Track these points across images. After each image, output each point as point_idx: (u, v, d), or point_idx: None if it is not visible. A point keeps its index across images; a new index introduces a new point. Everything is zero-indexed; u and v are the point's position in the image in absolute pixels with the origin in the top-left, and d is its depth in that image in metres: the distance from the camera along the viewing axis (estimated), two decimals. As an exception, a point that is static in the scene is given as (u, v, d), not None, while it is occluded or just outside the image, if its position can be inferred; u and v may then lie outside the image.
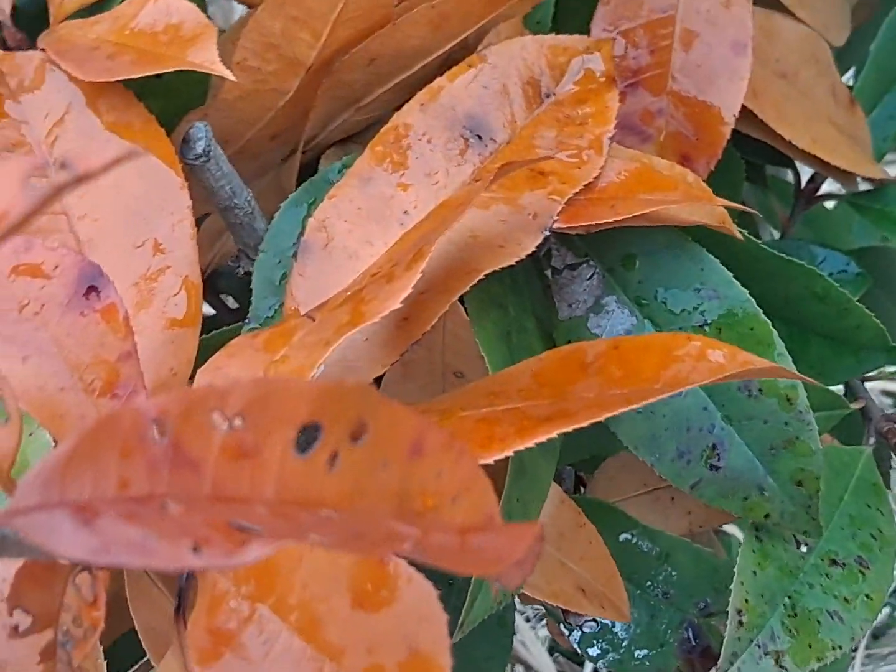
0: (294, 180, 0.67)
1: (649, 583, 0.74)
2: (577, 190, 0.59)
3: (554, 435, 0.48)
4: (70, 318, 0.46)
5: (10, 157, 0.59)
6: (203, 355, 0.65)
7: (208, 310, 0.79)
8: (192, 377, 0.54)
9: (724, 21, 0.68)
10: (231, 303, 0.82)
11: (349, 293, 0.53)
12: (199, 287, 0.56)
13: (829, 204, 0.99)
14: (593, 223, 0.58)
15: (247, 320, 0.62)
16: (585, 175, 0.60)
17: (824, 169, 0.77)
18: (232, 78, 0.55)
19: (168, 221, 0.56)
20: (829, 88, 0.79)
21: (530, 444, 0.48)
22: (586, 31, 0.70)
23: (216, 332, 0.68)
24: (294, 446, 0.34)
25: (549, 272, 0.66)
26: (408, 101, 0.63)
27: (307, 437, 0.35)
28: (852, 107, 0.81)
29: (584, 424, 0.49)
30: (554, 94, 0.63)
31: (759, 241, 0.68)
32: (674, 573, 0.74)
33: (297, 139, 0.66)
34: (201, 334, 0.61)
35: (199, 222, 0.71)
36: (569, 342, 0.65)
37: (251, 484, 0.33)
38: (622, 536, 0.75)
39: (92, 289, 0.47)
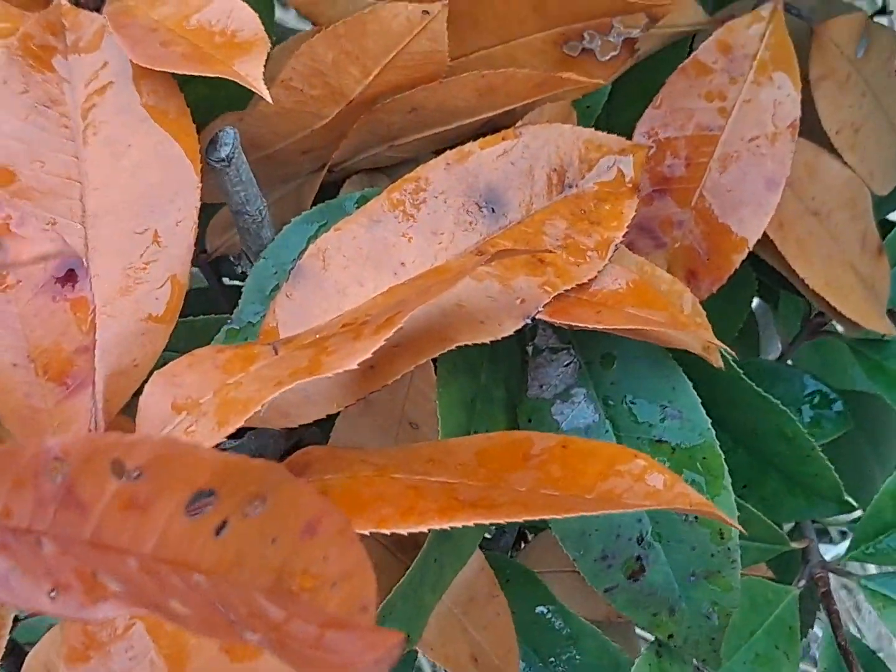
0: (312, 197, 0.69)
1: (553, 659, 0.76)
2: (570, 287, 0.61)
3: (470, 524, 0.50)
4: (41, 301, 0.48)
5: (45, 113, 0.60)
6: (184, 336, 0.67)
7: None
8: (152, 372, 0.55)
9: (765, 154, 0.69)
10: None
11: (316, 337, 0.54)
12: (183, 287, 0.57)
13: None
14: (575, 324, 0.60)
15: (230, 320, 0.64)
16: (582, 274, 0.61)
17: (831, 312, 0.78)
18: (269, 100, 0.56)
19: (173, 217, 0.58)
20: (860, 234, 0.80)
21: (446, 526, 0.50)
22: (633, 125, 0.71)
23: (202, 318, 0.70)
24: (185, 508, 0.36)
25: (530, 348, 0.67)
26: (442, 150, 0.65)
27: (202, 502, 0.36)
28: (879, 256, 0.81)
29: (503, 521, 0.50)
30: (576, 187, 0.64)
31: (742, 372, 0.69)
32: (578, 657, 0.76)
33: (327, 159, 0.67)
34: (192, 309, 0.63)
35: (217, 208, 0.73)
36: (530, 421, 0.67)
37: (133, 536, 0.35)
38: (538, 609, 0.76)
39: (69, 278, 0.48)
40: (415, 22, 0.60)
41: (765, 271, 0.80)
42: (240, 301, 0.64)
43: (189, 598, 0.34)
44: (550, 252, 0.60)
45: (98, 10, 0.66)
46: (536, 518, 0.51)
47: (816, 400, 0.86)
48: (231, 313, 0.65)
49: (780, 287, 0.84)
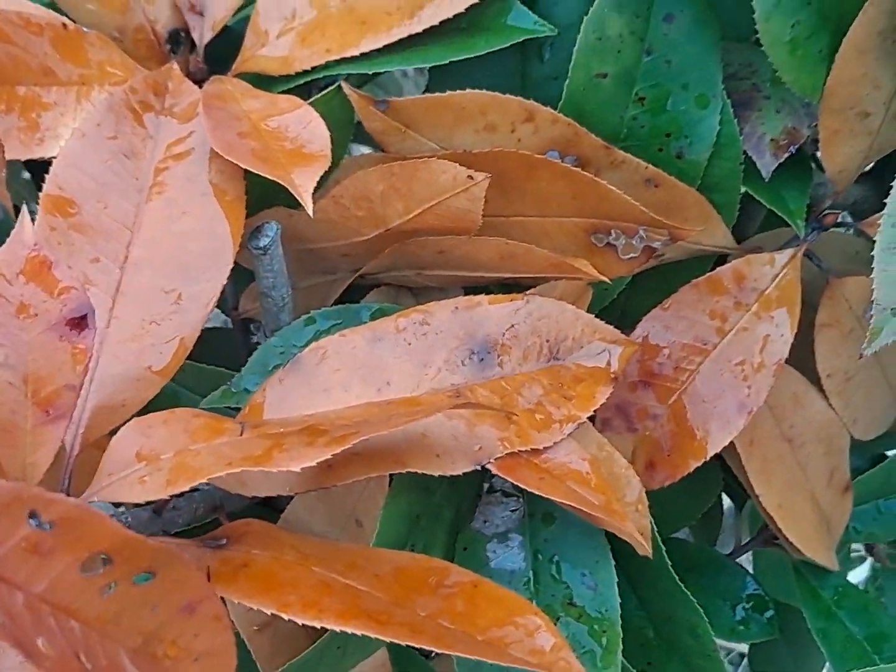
0: (338, 294, 0.76)
1: None
2: (526, 448, 0.67)
3: (358, 634, 0.56)
4: (49, 336, 0.56)
5: (124, 162, 0.68)
6: (195, 376, 0.74)
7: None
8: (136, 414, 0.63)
9: (746, 381, 0.75)
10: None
11: (279, 430, 0.61)
12: (187, 350, 0.64)
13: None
14: (518, 484, 0.66)
15: (229, 382, 0.71)
16: (540, 441, 0.67)
17: (778, 532, 0.84)
18: (311, 213, 0.63)
19: (201, 287, 0.65)
20: (829, 469, 0.85)
21: (338, 629, 0.56)
22: (645, 312, 0.77)
23: (212, 368, 0.77)
24: (81, 564, 0.43)
25: (486, 485, 0.74)
26: (468, 287, 0.72)
27: (99, 563, 0.43)
28: (843, 494, 0.87)
29: (389, 640, 0.56)
30: (561, 361, 0.70)
31: (669, 563, 0.75)
32: None
33: (360, 266, 0.74)
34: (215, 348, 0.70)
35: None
36: (465, 550, 0.73)
37: (28, 576, 0.42)
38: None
39: (79, 325, 0.56)
40: (459, 182, 0.67)
41: (729, 472, 0.85)
42: (243, 368, 0.71)
43: (56, 641, 0.41)
44: (516, 415, 0.67)
45: (203, 83, 0.74)
46: (423, 646, 0.56)
47: (752, 603, 0.92)
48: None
49: (745, 493, 0.89)
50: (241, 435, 0.61)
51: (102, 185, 0.67)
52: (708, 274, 0.75)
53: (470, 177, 0.67)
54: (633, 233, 0.72)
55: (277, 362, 0.71)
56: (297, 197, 0.64)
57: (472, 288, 0.78)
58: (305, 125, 0.68)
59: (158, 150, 0.69)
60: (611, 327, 0.71)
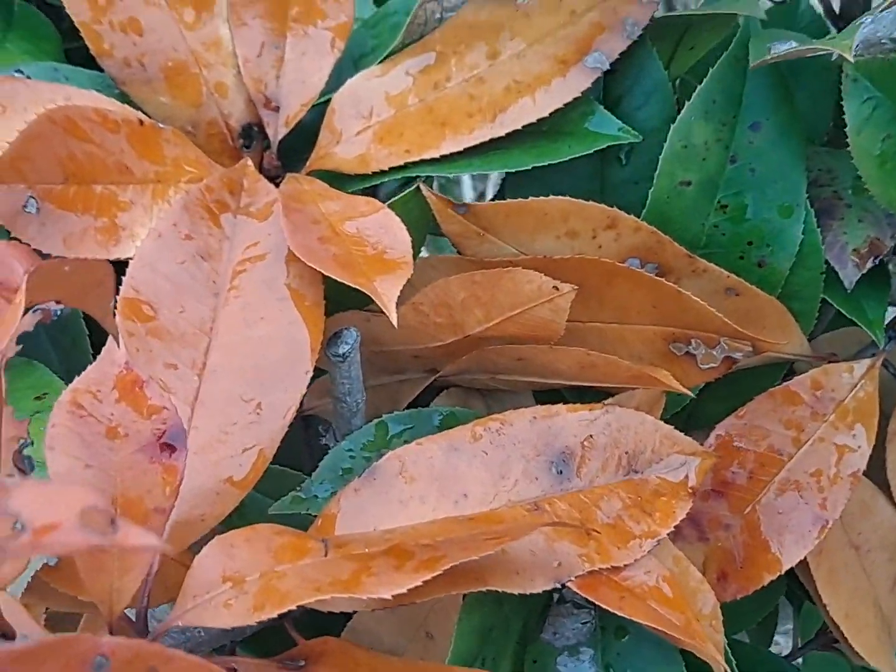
0: (410, 397, 0.74)
1: None
2: (606, 566, 0.66)
3: None
4: (139, 457, 0.54)
5: (200, 264, 0.67)
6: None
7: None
8: (214, 529, 0.61)
9: (822, 493, 0.73)
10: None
11: (365, 550, 0.59)
12: (267, 461, 0.63)
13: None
14: (599, 604, 0.65)
15: (299, 487, 0.69)
16: (621, 558, 0.66)
17: (843, 641, 0.82)
18: (395, 324, 0.62)
19: (279, 396, 0.64)
20: (892, 577, 0.84)
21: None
22: (717, 419, 0.76)
23: (277, 468, 0.76)
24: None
25: (556, 595, 0.72)
26: (541, 391, 0.70)
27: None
28: (905, 599, 0.85)
29: None
30: (641, 473, 0.69)
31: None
32: None
33: (431, 368, 0.73)
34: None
35: (322, 371, 0.79)
36: (535, 662, 0.71)
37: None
38: None
39: (170, 446, 0.54)
40: (544, 292, 0.66)
41: (795, 576, 0.84)
42: (314, 474, 0.69)
43: None
44: (598, 532, 0.65)
45: (277, 179, 0.72)
46: None
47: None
48: (307, 469, 0.70)
49: (806, 596, 0.88)
50: (325, 555, 0.59)
51: (179, 287, 0.65)
52: (785, 384, 0.74)
53: (555, 287, 0.66)
54: (713, 343, 0.71)
55: (347, 465, 0.69)
56: (379, 305, 0.63)
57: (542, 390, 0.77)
58: (386, 230, 0.67)
59: (235, 251, 0.67)
60: (689, 439, 0.70)
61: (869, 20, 0.61)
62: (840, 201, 0.73)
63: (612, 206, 0.71)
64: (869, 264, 0.72)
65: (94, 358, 0.69)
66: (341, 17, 0.74)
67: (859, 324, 0.73)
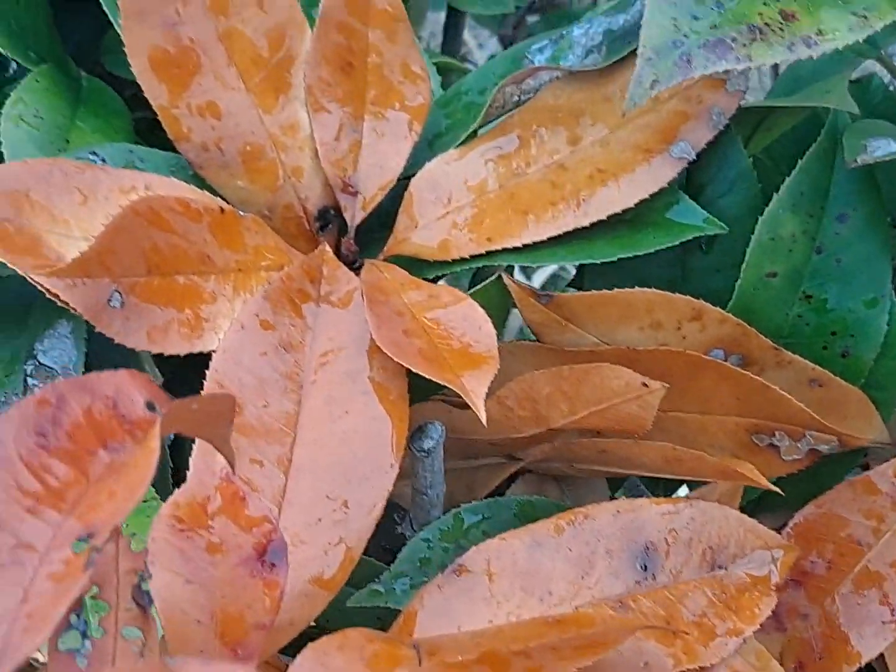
0: (486, 485, 0.73)
1: None
2: (692, 667, 0.65)
3: None
4: (240, 572, 0.53)
5: (282, 356, 0.66)
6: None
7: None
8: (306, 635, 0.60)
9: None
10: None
11: (459, 659, 0.58)
12: (354, 561, 0.62)
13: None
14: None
15: (377, 579, 0.68)
16: (707, 657, 0.65)
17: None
18: (484, 422, 0.61)
19: (365, 493, 0.63)
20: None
21: None
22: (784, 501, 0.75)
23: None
24: None
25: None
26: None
27: None
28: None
29: None
30: (725, 569, 0.68)
31: None
32: None
33: (511, 455, 0.72)
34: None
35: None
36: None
37: None
38: None
39: (270, 560, 0.53)
40: (632, 389, 0.65)
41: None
42: (392, 566, 0.68)
43: None
44: (686, 633, 0.64)
45: (354, 264, 0.71)
46: None
47: None
48: (375, 553, 0.69)
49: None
50: (419, 664, 0.58)
51: (262, 381, 0.65)
52: (865, 474, 0.73)
53: (644, 384, 0.65)
54: (799, 436, 0.70)
55: (425, 556, 0.69)
56: (467, 400, 0.62)
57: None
58: (470, 322, 0.66)
59: (318, 342, 0.66)
60: (772, 533, 0.69)
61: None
62: (926, 289, 0.72)
63: (693, 294, 0.70)
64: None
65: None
66: (419, 99, 0.73)
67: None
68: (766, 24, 0.56)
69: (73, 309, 0.62)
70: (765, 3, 0.56)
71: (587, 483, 0.77)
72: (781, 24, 0.56)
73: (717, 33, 0.56)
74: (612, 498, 0.80)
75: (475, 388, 0.62)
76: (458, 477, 0.75)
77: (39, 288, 0.61)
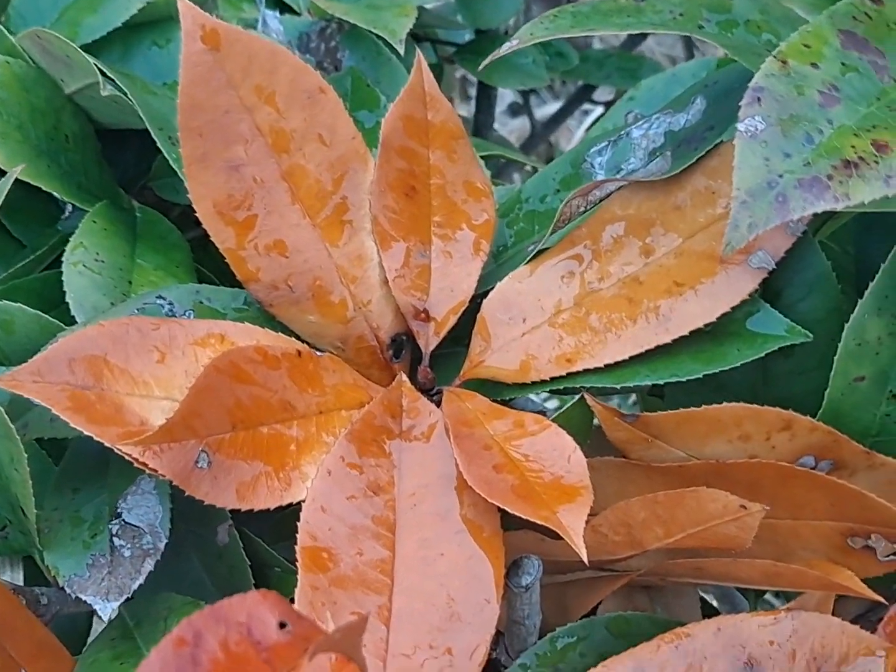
0: (583, 608, 0.72)
1: None
2: None
3: None
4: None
5: (371, 499, 0.65)
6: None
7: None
8: None
9: None
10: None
11: None
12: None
13: None
14: None
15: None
16: None
17: None
18: (585, 559, 0.60)
19: (467, 638, 0.62)
20: None
21: None
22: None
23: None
24: None
25: None
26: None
27: None
28: None
29: None
30: (830, 678, 0.67)
31: None
32: None
33: (601, 567, 0.71)
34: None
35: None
36: None
37: None
38: None
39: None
40: (729, 511, 0.64)
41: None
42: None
43: None
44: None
45: (431, 391, 0.70)
46: None
47: None
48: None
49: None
50: None
51: (354, 528, 0.64)
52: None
53: (743, 506, 0.64)
54: (895, 538, 0.69)
55: (523, 682, 0.68)
56: (564, 538, 0.61)
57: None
58: (559, 452, 0.65)
59: (405, 482, 0.66)
60: (874, 637, 0.68)
61: None
62: None
63: (776, 398, 0.69)
64: None
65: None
66: (484, 217, 0.73)
67: None
68: (861, 157, 0.55)
69: (161, 476, 0.61)
70: (855, 135, 0.55)
71: (677, 591, 0.76)
72: (876, 156, 0.55)
73: (811, 171, 0.55)
74: (702, 603, 0.79)
75: (572, 525, 0.62)
76: (547, 595, 0.73)
77: (126, 457, 0.60)
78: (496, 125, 1.28)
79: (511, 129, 2.19)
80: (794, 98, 0.57)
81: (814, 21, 0.60)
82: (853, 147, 0.55)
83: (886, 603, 0.68)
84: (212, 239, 0.69)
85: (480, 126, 1.16)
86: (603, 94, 1.57)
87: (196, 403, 0.62)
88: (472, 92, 1.84)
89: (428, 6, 0.94)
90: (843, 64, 0.58)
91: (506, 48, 0.69)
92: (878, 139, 0.55)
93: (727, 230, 0.56)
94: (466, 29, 1.10)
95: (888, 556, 0.70)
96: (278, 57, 0.68)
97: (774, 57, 0.58)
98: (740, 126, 0.56)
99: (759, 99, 0.57)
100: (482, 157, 0.85)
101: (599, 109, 1.78)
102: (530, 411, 0.69)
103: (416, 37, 1.06)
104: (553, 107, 2.18)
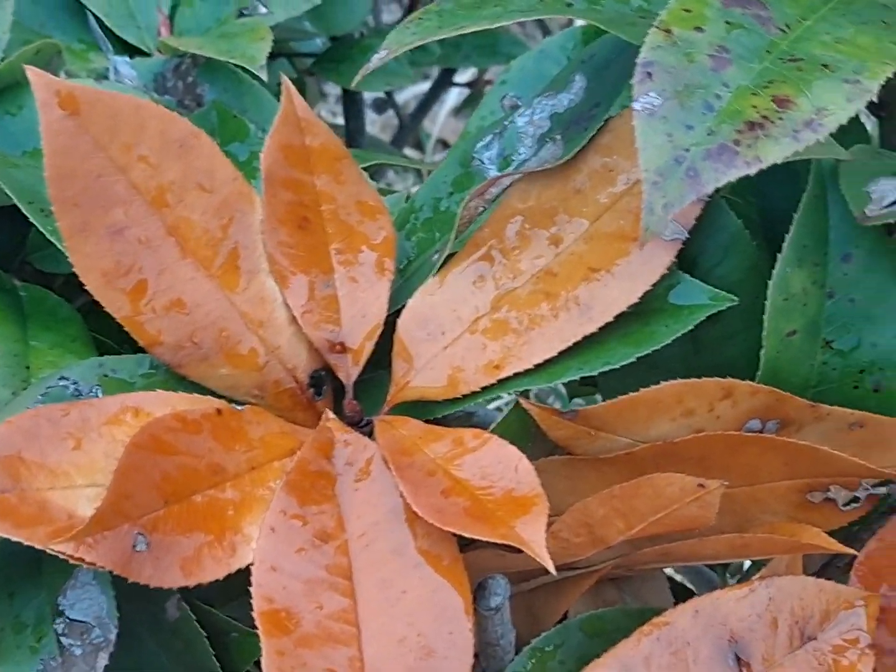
0: (554, 613, 0.70)
1: None
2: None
3: None
4: None
5: (321, 548, 0.62)
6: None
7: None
8: None
9: None
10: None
11: None
12: None
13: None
14: None
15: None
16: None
17: None
18: (553, 572, 0.58)
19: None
20: None
21: None
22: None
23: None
24: None
25: None
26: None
27: None
28: None
29: None
30: (815, 639, 0.65)
31: None
32: None
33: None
34: None
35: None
36: None
37: None
38: None
39: None
40: (687, 493, 0.62)
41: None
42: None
43: None
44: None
45: (361, 424, 0.68)
46: None
47: None
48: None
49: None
50: None
51: (308, 582, 0.61)
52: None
53: (701, 485, 0.62)
54: (854, 486, 0.68)
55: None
56: (527, 552, 0.59)
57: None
58: (505, 463, 0.63)
59: (353, 524, 0.63)
60: (850, 588, 0.67)
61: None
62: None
63: (709, 365, 0.68)
64: None
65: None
66: (382, 234, 0.70)
67: None
68: (764, 116, 0.53)
69: (100, 567, 0.57)
70: (754, 94, 0.54)
71: (644, 577, 0.75)
72: (779, 112, 0.53)
73: (716, 139, 0.53)
74: (671, 582, 0.78)
75: (533, 537, 0.60)
76: (515, 606, 0.71)
77: (61, 556, 0.57)
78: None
79: (380, 123, 2.16)
80: (686, 67, 0.55)
81: (691, -18, 0.58)
82: (754, 107, 0.53)
83: (856, 553, 0.67)
84: (107, 310, 0.65)
85: (353, 133, 1.13)
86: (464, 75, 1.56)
87: (123, 486, 0.59)
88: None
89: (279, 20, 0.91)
90: (727, 23, 0.57)
91: (376, 61, 0.66)
92: (777, 94, 0.54)
93: (643, 215, 0.54)
94: (320, 37, 1.08)
95: (848, 504, 0.69)
96: (143, 111, 0.65)
97: (657, 27, 0.56)
98: (636, 105, 0.54)
99: (649, 74, 0.55)
100: (364, 169, 0.82)
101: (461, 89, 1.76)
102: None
103: (270, 54, 1.03)
104: (413, 90, 2.16)
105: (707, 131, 0.53)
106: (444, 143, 2.48)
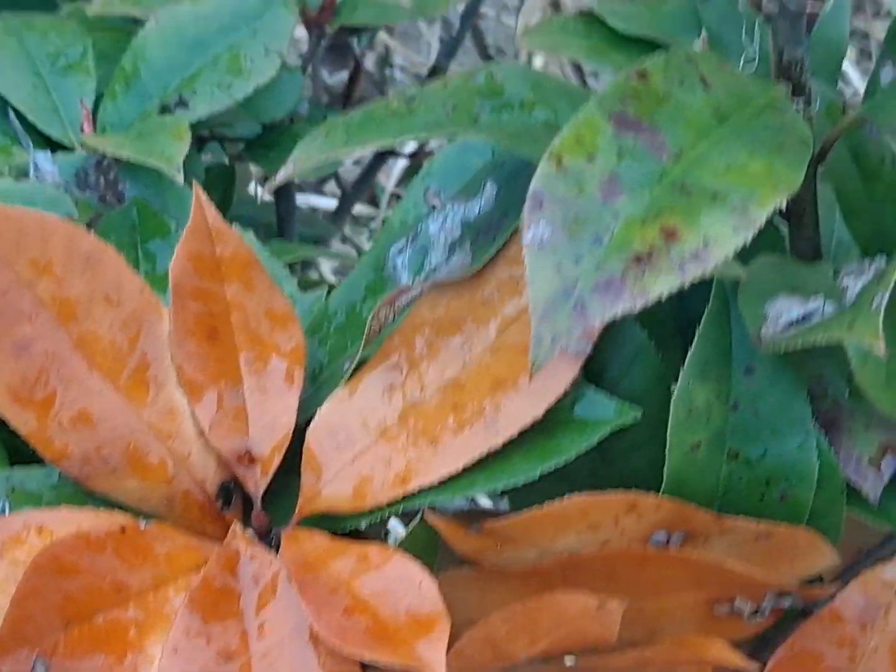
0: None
1: None
2: None
3: None
4: None
5: (224, 668, 0.62)
6: None
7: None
8: None
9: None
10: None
11: None
12: None
13: None
14: None
15: None
16: None
17: None
18: None
19: None
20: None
21: None
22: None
23: None
24: None
25: None
26: None
27: None
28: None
29: None
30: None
31: None
32: None
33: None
34: None
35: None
36: None
37: None
38: None
39: None
40: (589, 611, 0.63)
41: None
42: None
43: None
44: None
45: (269, 535, 0.68)
46: None
47: None
48: None
49: None
50: None
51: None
52: (828, 606, 0.71)
53: (601, 606, 0.62)
54: (759, 598, 0.68)
55: None
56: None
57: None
58: (408, 582, 0.63)
59: (256, 643, 0.63)
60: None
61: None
62: (841, 409, 0.71)
63: (618, 475, 0.68)
64: (889, 470, 0.69)
65: None
66: (292, 343, 0.70)
67: (890, 526, 0.71)
68: (651, 248, 0.53)
69: (-3, 694, 0.57)
70: (643, 225, 0.54)
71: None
72: (666, 243, 0.53)
73: (604, 273, 0.53)
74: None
75: (434, 658, 0.60)
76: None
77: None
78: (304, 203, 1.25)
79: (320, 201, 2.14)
80: (576, 197, 0.55)
81: (584, 108, 0.58)
82: (643, 239, 0.54)
83: (763, 664, 0.68)
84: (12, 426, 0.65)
85: (283, 216, 1.13)
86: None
87: (22, 610, 0.59)
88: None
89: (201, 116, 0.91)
90: (619, 150, 0.57)
91: (282, 177, 0.66)
92: (666, 225, 0.54)
93: (531, 347, 0.54)
94: (252, 122, 1.08)
95: (755, 619, 0.69)
96: (48, 226, 0.65)
97: (549, 155, 0.57)
98: (526, 235, 0.55)
99: (540, 203, 0.55)
100: (288, 264, 0.83)
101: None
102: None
103: (201, 138, 1.03)
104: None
105: (595, 265, 0.53)
106: (398, 197, 2.48)
